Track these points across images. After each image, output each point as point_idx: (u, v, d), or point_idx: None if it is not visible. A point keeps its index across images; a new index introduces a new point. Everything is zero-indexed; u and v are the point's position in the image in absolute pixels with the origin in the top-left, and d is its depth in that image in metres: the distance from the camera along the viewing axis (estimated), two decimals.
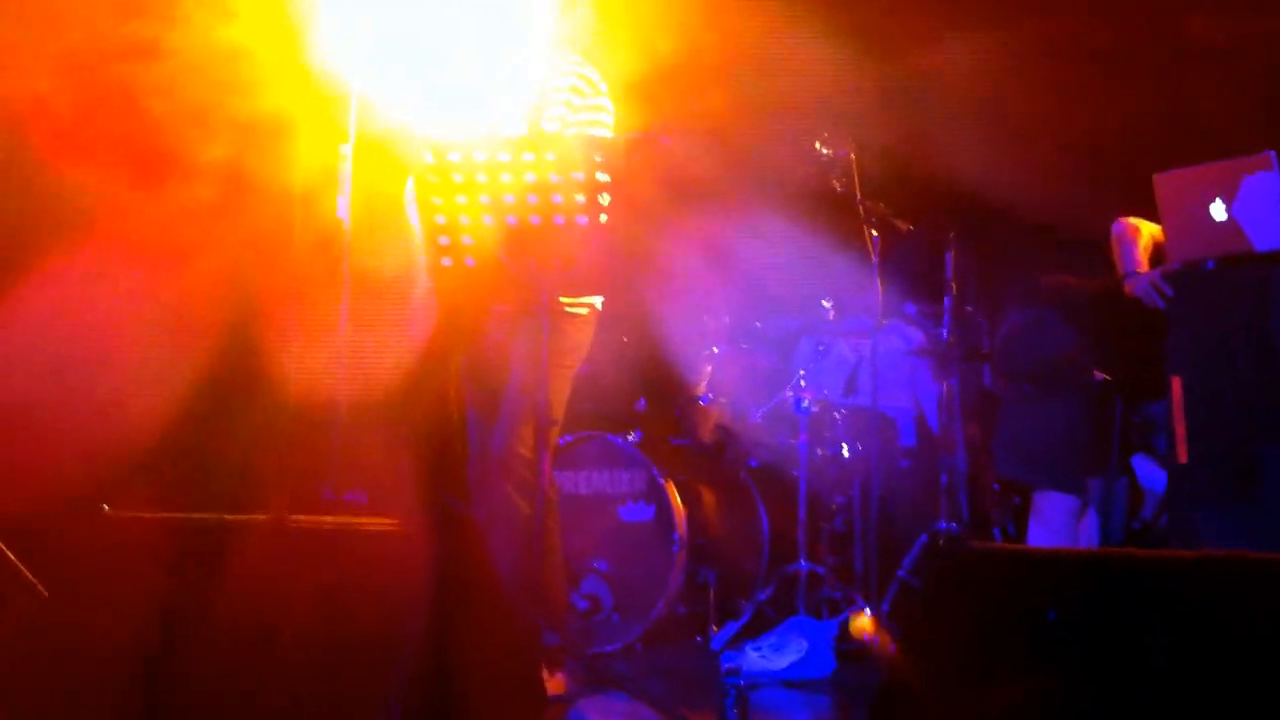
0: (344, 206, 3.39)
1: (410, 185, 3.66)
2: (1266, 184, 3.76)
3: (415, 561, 3.04)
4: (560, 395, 3.87)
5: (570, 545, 5.10)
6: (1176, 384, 3.85)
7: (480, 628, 3.15)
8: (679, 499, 5.06)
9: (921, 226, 5.24)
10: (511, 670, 3.21)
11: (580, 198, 3.12)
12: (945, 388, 5.30)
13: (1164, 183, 4.01)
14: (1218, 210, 3.87)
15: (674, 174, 3.11)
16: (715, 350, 5.57)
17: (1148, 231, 4.42)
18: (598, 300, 3.94)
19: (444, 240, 3.24)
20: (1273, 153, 3.76)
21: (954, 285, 5.23)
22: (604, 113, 3.71)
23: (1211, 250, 3.89)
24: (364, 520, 3.22)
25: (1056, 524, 4.67)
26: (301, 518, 3.14)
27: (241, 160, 4.15)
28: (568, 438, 5.22)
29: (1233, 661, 2.30)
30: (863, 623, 4.81)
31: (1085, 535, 4.73)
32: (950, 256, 5.23)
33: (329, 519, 3.14)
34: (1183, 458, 3.86)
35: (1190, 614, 2.41)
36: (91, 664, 2.99)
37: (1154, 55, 5.35)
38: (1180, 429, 3.85)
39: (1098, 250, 4.55)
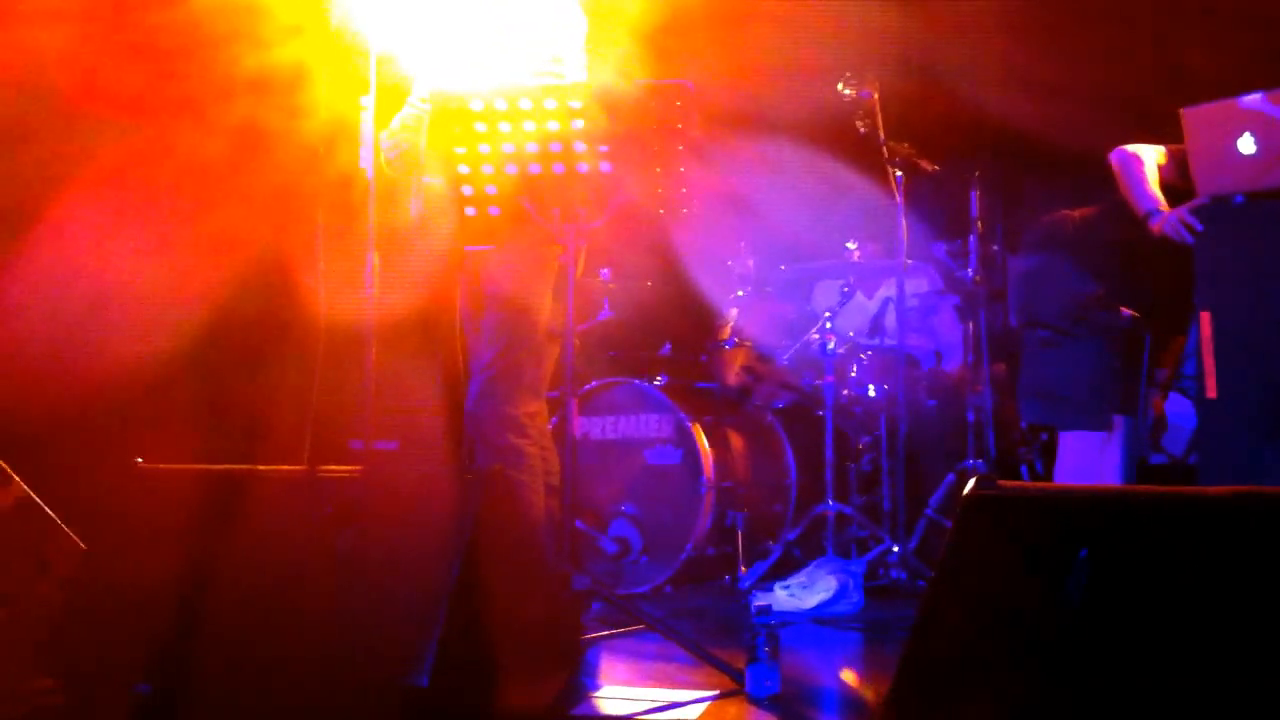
0: (366, 158, 3.39)
1: (386, 135, 3.62)
2: None
3: (446, 510, 3.06)
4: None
5: (599, 489, 5.14)
6: (1206, 319, 3.83)
7: (514, 572, 3.18)
8: (706, 442, 5.08)
9: (946, 166, 5.21)
10: (547, 613, 3.24)
11: (603, 146, 3.11)
12: (971, 327, 5.29)
13: (1192, 117, 3.98)
14: (1246, 144, 3.84)
15: (697, 120, 3.08)
16: (740, 294, 5.57)
17: (1150, 159, 4.35)
18: None
19: (467, 190, 3.23)
20: None
21: (979, 224, 5.21)
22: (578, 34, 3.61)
23: (1240, 185, 3.86)
24: (393, 470, 3.24)
25: (1084, 461, 4.66)
26: (331, 468, 3.16)
27: (262, 112, 4.13)
28: (594, 383, 5.24)
29: (1264, 597, 2.31)
30: None
31: (1109, 470, 4.73)
32: (975, 196, 5.21)
33: (359, 469, 3.16)
34: (1212, 393, 3.85)
35: (1222, 550, 2.41)
36: (129, 615, 3.03)
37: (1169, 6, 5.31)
38: (1210, 364, 3.83)
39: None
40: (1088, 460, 4.66)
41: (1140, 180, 4.32)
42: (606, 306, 5.66)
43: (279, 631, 2.90)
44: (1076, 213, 4.74)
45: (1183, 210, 4.08)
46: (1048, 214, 4.84)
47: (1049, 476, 5.26)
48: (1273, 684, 2.23)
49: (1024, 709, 2.44)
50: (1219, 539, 2.41)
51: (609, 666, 3.68)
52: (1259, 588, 2.32)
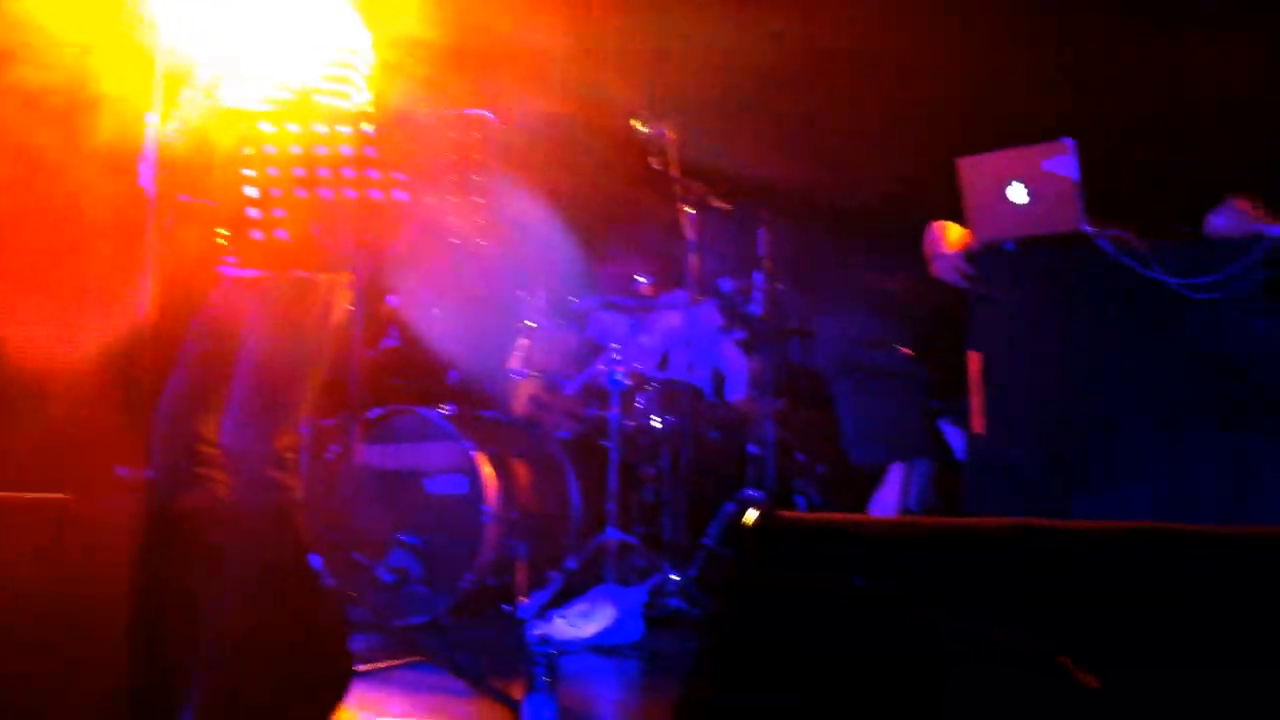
0: (148, 176, 3.27)
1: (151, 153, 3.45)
2: (1063, 169, 3.93)
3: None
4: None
5: (378, 519, 5.06)
6: (974, 359, 4.01)
7: (286, 602, 3.10)
8: (490, 471, 5.05)
9: (739, 206, 5.33)
10: (319, 643, 3.17)
11: (398, 174, 3.07)
12: (756, 361, 5.41)
13: (967, 167, 4.16)
14: (1017, 194, 4.03)
15: (496, 152, 3.07)
16: (530, 324, 5.58)
17: (956, 232, 4.59)
18: None
19: (254, 213, 3.14)
20: (1070, 140, 3.92)
21: (767, 263, 5.34)
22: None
23: (1011, 232, 4.05)
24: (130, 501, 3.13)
25: (910, 487, 4.80)
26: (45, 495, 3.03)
27: (37, 131, 3.96)
28: (379, 411, 5.16)
29: (1034, 627, 2.41)
30: None
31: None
32: (763, 235, 5.34)
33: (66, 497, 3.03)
34: (978, 428, 4.02)
35: (990, 580, 2.51)
36: None
37: (963, 47, 5.51)
38: (977, 401, 4.01)
39: (904, 236, 4.69)
40: (914, 487, 4.82)
41: (937, 237, 4.53)
42: (394, 334, 5.60)
43: None
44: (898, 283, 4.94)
45: (956, 255, 4.27)
46: (840, 271, 5.00)
47: (825, 508, 5.41)
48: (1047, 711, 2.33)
49: None
50: (988, 569, 2.51)
51: (383, 699, 3.62)
52: (1030, 617, 2.42)
